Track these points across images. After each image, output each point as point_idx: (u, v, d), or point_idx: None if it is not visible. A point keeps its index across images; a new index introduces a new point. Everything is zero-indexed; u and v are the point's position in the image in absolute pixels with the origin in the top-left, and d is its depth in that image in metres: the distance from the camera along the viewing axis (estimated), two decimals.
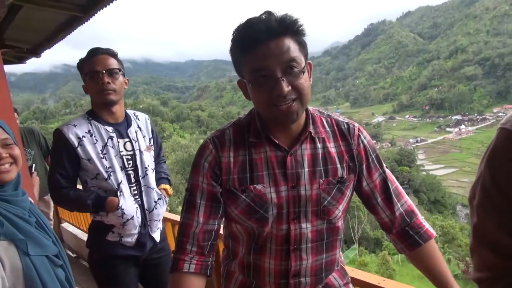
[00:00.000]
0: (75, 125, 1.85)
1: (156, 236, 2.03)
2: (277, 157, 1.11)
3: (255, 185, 1.10)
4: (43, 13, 2.87)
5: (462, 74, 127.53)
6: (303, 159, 1.12)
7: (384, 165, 1.24)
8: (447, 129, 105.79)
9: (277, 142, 1.11)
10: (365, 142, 1.20)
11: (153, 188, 2.00)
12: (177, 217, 2.64)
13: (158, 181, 2.10)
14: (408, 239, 1.20)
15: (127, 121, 2.00)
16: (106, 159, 1.86)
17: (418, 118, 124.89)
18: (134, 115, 2.10)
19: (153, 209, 1.99)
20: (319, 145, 1.14)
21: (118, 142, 1.92)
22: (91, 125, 1.88)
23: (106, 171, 1.85)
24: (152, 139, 2.11)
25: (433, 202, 51.87)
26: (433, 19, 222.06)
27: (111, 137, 1.90)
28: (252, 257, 1.18)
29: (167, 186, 2.11)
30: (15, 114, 3.01)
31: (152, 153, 2.09)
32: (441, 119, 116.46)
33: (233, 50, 1.06)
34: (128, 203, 1.88)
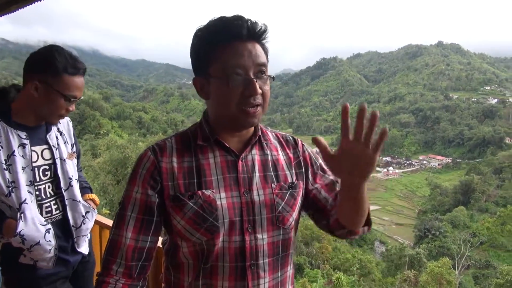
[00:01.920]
0: None
1: (84, 249, 1.85)
2: (228, 161, 1.08)
3: (203, 191, 1.03)
4: None
5: (397, 120, 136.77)
6: (254, 164, 1.10)
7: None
8: (378, 168, 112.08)
9: (227, 145, 1.08)
10: (309, 150, 1.24)
11: (79, 201, 1.79)
12: (103, 219, 2.51)
13: (81, 191, 1.86)
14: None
15: (47, 124, 1.72)
16: (9, 172, 1.55)
17: None
18: None
19: (81, 225, 1.78)
20: (268, 152, 1.14)
21: (32, 151, 1.63)
22: None
23: (8, 186, 1.55)
24: (74, 145, 1.87)
25: None
26: (379, 65, 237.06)
27: (22, 145, 1.60)
28: (201, 283, 1.06)
29: (93, 196, 1.92)
30: None
31: (75, 161, 1.85)
32: None
33: (202, 43, 1.03)
34: (31, 227, 1.58)
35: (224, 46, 0.99)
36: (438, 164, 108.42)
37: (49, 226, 1.66)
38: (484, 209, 59.28)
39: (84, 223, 1.79)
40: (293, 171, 1.16)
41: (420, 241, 50.51)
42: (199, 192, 1.03)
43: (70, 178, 1.77)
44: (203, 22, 1.03)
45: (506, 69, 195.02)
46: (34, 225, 1.60)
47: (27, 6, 3.03)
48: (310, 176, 1.19)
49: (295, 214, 1.13)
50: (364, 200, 1.02)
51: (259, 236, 1.05)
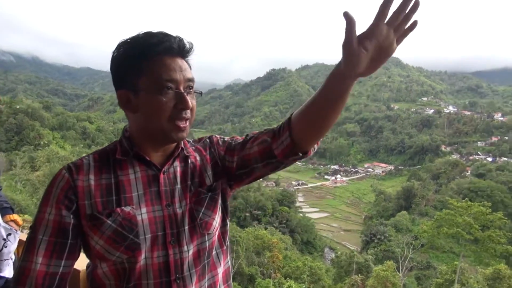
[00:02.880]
0: None
1: (8, 273, 1.77)
2: (148, 176, 1.06)
3: (122, 208, 1.00)
4: None
5: (344, 129, 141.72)
6: (176, 176, 1.10)
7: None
8: (326, 176, 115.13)
9: (148, 159, 1.06)
10: (221, 141, 1.23)
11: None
12: None
13: (0, 212, 1.79)
14: (279, 133, 1.10)
15: None
16: None
17: (303, 163, 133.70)
18: None
19: (2, 248, 1.70)
20: (189, 161, 1.15)
21: None
22: None
23: None
24: None
25: (305, 243, 55.16)
26: (326, 76, 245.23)
27: None
28: None
29: (14, 216, 1.81)
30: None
31: None
32: (321, 166, 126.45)
33: (129, 56, 1.01)
34: None
35: (156, 60, 0.99)
36: (382, 171, 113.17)
37: None
38: (424, 213, 62.60)
39: (6, 246, 1.72)
40: (210, 172, 1.16)
41: (367, 246, 52.25)
42: (118, 209, 1.00)
43: None
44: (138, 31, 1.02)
45: (441, 82, 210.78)
46: None
47: None
48: (228, 159, 1.18)
49: (217, 217, 1.14)
50: (343, 104, 1.05)
51: (184, 248, 1.04)
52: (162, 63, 0.99)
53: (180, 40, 1.02)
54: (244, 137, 1.21)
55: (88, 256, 1.06)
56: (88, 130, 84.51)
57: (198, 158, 1.18)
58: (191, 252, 1.06)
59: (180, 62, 1.03)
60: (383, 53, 0.88)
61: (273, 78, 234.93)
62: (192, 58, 1.08)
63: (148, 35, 1.01)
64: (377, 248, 47.84)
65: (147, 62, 0.99)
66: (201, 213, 1.09)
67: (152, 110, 0.99)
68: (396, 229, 54.84)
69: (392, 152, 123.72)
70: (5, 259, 1.73)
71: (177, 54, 1.02)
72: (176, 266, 1.03)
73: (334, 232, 70.76)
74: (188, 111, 1.02)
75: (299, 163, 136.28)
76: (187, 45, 1.04)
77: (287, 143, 1.07)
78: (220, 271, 1.16)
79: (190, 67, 1.06)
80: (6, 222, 1.75)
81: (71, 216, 0.99)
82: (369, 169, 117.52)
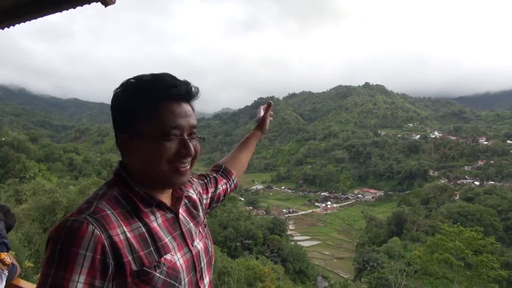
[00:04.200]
0: None
1: None
2: (169, 220, 1.06)
3: (165, 257, 0.98)
4: None
5: (333, 156, 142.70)
6: (185, 216, 1.14)
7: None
8: (316, 203, 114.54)
9: (167, 205, 1.07)
10: (199, 183, 1.39)
11: None
12: (25, 284, 2.05)
13: None
14: (228, 177, 1.54)
15: None
16: None
17: (293, 190, 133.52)
18: None
19: None
20: (185, 201, 1.19)
21: None
22: None
23: None
24: None
25: (297, 272, 54.11)
26: (313, 104, 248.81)
27: None
28: None
29: (2, 255, 1.73)
30: None
31: None
32: (312, 193, 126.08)
33: (133, 99, 0.98)
34: None
35: (161, 105, 0.97)
36: (372, 197, 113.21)
37: None
38: (416, 238, 62.34)
39: None
40: (200, 208, 1.26)
41: (360, 273, 51.55)
42: (162, 259, 0.97)
43: None
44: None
45: (425, 108, 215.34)
46: None
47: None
48: (205, 197, 1.37)
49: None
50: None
51: (205, 281, 1.10)
52: (169, 109, 0.98)
53: (187, 84, 1.02)
54: (200, 175, 1.45)
55: None
56: (75, 161, 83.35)
57: (190, 195, 1.23)
58: (207, 285, 1.12)
59: (186, 107, 1.02)
60: (266, 124, 1.77)
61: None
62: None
63: (155, 78, 0.99)
64: (371, 276, 47.17)
65: (154, 107, 0.97)
66: (210, 247, 1.16)
67: (154, 155, 0.97)
68: (388, 256, 54.40)
69: (381, 177, 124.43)
70: None
71: (184, 99, 1.02)
72: None
73: (326, 260, 69.86)
74: (190, 157, 1.03)
75: (289, 191, 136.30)
76: (194, 90, 1.04)
77: (235, 181, 1.56)
78: None
79: (194, 112, 1.06)
80: None
81: (105, 284, 0.88)
82: (359, 195, 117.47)
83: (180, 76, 1.01)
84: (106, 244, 0.87)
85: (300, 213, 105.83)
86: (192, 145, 1.01)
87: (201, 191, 1.33)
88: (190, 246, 1.07)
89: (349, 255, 69.90)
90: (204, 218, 1.23)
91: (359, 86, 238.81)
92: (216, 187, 1.44)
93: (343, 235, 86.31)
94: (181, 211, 1.13)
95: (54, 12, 2.20)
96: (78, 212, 0.91)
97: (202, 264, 1.09)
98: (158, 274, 0.94)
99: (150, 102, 0.97)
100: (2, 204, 2.56)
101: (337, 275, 58.17)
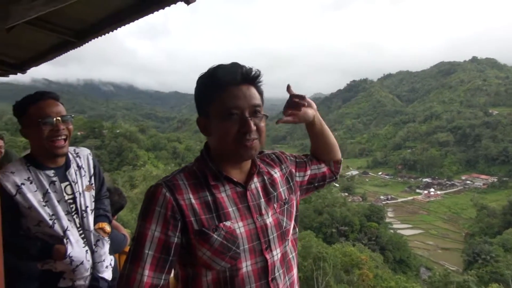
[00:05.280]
0: (12, 172, 1.76)
1: (107, 275, 1.99)
2: (238, 192, 1.20)
3: (224, 223, 1.13)
4: (36, 34, 2.85)
5: (435, 139, 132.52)
6: (258, 191, 1.25)
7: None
8: (417, 190, 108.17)
9: (235, 180, 1.20)
10: (290, 157, 1.46)
11: (90, 231, 1.94)
12: None
13: (96, 219, 2.00)
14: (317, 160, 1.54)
15: (66, 163, 1.93)
16: (48, 207, 1.79)
17: (391, 176, 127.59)
18: (74, 152, 2.02)
19: (94, 252, 1.94)
20: (265, 177, 1.30)
21: (61, 186, 1.86)
22: (29, 171, 1.81)
23: (50, 219, 1.78)
24: (93, 176, 2.04)
25: (398, 262, 51.92)
26: (411, 84, 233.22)
27: (52, 182, 1.84)
28: None
29: (103, 224, 2.01)
30: (1, 140, 2.96)
31: (93, 192, 2.01)
32: (412, 179, 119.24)
33: (204, 87, 1.18)
34: (76, 249, 1.83)
35: (222, 90, 1.13)
36: (483, 184, 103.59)
37: (87, 247, 1.91)
38: None
39: (96, 251, 1.95)
40: (284, 187, 1.34)
41: (469, 266, 47.61)
42: (221, 224, 1.12)
43: (84, 210, 1.93)
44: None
45: None
46: (79, 247, 1.86)
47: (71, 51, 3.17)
48: (300, 173, 1.45)
49: (292, 224, 1.31)
50: (327, 130, 1.51)
51: (274, 252, 1.19)
52: (228, 92, 1.13)
53: (246, 69, 1.16)
54: (303, 156, 1.53)
55: (191, 266, 1.16)
56: (178, 149, 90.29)
57: (272, 173, 1.33)
58: (278, 256, 1.21)
59: (246, 89, 1.15)
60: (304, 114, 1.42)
61: (354, 89, 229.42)
62: (263, 83, 1.22)
63: (217, 68, 1.16)
64: (482, 269, 43.18)
65: (216, 92, 1.14)
66: (284, 222, 1.25)
67: (221, 134, 1.14)
68: (504, 249, 49.17)
69: (494, 162, 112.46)
70: (98, 262, 1.95)
71: (242, 83, 1.15)
72: (272, 269, 1.18)
73: (430, 250, 65.90)
74: (254, 132, 1.14)
75: (387, 177, 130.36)
76: (253, 73, 1.17)
77: (333, 164, 1.55)
78: (295, 272, 1.31)
79: (260, 93, 1.20)
80: (95, 229, 1.98)
81: (177, 234, 1.11)
82: (467, 182, 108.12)
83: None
84: (174, 204, 1.10)
85: (399, 200, 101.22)
86: (255, 122, 1.14)
87: (293, 169, 1.42)
88: (255, 218, 1.18)
89: (456, 246, 65.02)
90: (286, 196, 1.32)
91: (465, 61, 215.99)
92: (316, 165, 1.50)
93: (449, 224, 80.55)
94: (256, 187, 1.25)
95: (145, 16, 2.35)
96: (161, 180, 1.17)
97: (271, 237, 1.19)
98: (215, 236, 1.10)
99: (214, 88, 1.14)
100: (116, 187, 3.17)
101: (443, 266, 54.33)
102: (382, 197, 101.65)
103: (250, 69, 1.17)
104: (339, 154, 1.57)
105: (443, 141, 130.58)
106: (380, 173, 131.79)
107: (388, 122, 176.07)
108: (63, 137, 1.82)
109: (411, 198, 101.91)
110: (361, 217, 58.48)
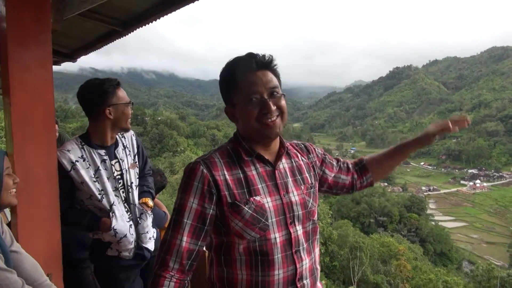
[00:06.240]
0: (68, 150, 1.97)
1: (150, 245, 2.19)
2: (267, 171, 1.31)
3: (254, 197, 1.24)
4: (86, 24, 3.07)
5: (483, 129, 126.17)
6: (286, 171, 1.36)
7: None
8: (462, 181, 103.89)
9: (266, 158, 1.32)
10: (318, 150, 1.55)
11: (135, 204, 2.16)
12: None
13: (140, 194, 2.21)
14: (362, 173, 1.60)
15: (115, 142, 2.16)
16: (98, 183, 2.00)
17: (433, 166, 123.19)
18: (120, 133, 2.22)
19: (138, 224, 2.15)
20: (292, 160, 1.42)
21: (112, 164, 2.08)
22: (84, 150, 2.02)
23: (99, 194, 1.99)
24: (137, 155, 2.26)
25: (438, 254, 50.44)
26: (459, 71, 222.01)
27: (104, 160, 2.05)
28: (260, 275, 1.25)
29: (146, 199, 2.21)
30: (56, 125, 3.20)
31: (137, 169, 2.23)
32: (456, 170, 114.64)
33: (225, 80, 1.31)
34: (120, 223, 2.03)
35: (242, 78, 1.26)
36: None
37: (130, 222, 2.10)
38: None
39: (140, 223, 2.15)
40: (311, 173, 1.45)
41: None
42: (251, 198, 1.24)
43: (130, 186, 2.14)
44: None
45: None
46: (123, 221, 2.05)
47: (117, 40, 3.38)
48: (325, 170, 1.54)
49: (317, 207, 1.42)
50: None
51: (298, 228, 1.30)
52: (246, 79, 1.26)
53: (260, 56, 1.28)
54: (335, 159, 1.61)
55: (225, 235, 1.28)
56: (217, 137, 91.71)
57: (300, 158, 1.45)
58: (301, 231, 1.31)
59: (261, 74, 1.27)
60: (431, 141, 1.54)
61: (397, 77, 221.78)
62: (278, 66, 1.33)
63: (235, 59, 1.30)
64: None
65: (236, 81, 1.27)
66: (310, 203, 1.36)
67: (245, 118, 1.27)
68: None
69: None
70: (142, 233, 2.15)
71: (258, 69, 1.27)
72: (295, 242, 1.28)
73: (473, 244, 63.52)
74: (274, 111, 1.26)
75: (429, 167, 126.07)
76: (267, 59, 1.29)
77: (369, 181, 1.60)
78: (317, 253, 1.40)
79: (276, 75, 1.32)
80: (139, 203, 2.19)
81: (212, 207, 1.24)
82: None
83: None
84: (210, 180, 1.23)
85: (442, 191, 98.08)
86: (274, 102, 1.26)
87: (318, 162, 1.52)
88: (282, 195, 1.29)
89: (503, 240, 62.20)
90: (312, 181, 1.43)
91: None
92: (342, 175, 1.58)
93: (495, 217, 77.11)
94: (284, 167, 1.37)
95: (187, 5, 2.50)
96: (199, 157, 1.30)
97: (296, 214, 1.30)
98: (246, 208, 1.23)
99: (234, 77, 1.28)
100: (158, 168, 3.46)
101: (487, 261, 52.09)
102: (423, 188, 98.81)
103: (263, 55, 1.28)
104: (379, 179, 1.68)
105: (491, 130, 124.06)
106: (422, 163, 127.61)
107: (432, 111, 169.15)
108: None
109: (455, 189, 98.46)
110: (401, 208, 57.08)
